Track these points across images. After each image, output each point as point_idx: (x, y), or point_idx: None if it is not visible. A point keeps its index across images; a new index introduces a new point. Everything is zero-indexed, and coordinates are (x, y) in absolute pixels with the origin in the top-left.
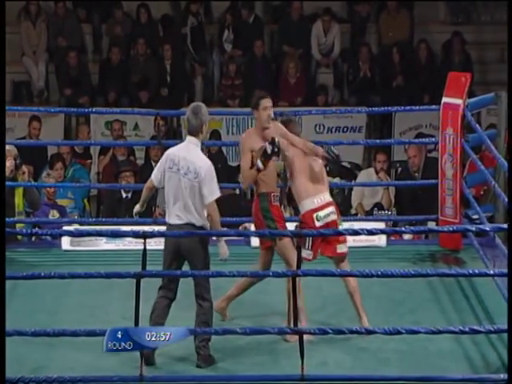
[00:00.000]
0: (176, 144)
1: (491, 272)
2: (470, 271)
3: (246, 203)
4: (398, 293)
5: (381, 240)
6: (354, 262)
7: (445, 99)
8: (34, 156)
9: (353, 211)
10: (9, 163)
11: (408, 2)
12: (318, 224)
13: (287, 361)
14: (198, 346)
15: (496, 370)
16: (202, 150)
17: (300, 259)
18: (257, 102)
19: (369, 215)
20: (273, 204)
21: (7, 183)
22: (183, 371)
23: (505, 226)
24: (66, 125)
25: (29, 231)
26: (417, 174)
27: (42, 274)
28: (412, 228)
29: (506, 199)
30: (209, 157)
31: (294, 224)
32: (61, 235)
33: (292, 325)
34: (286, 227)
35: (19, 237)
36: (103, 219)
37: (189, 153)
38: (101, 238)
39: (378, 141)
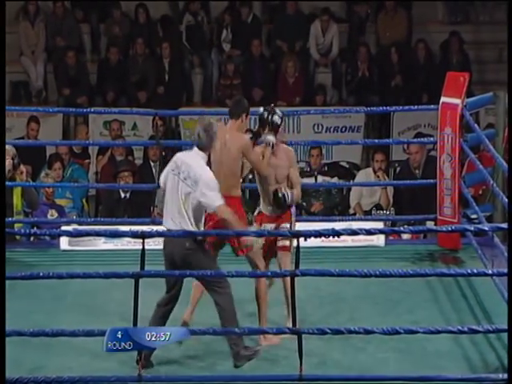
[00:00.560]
0: (174, 144)
1: (490, 272)
2: (469, 271)
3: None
4: (397, 292)
5: (379, 240)
6: (353, 262)
7: (443, 99)
8: (33, 156)
9: (351, 211)
10: (7, 163)
11: (406, 1)
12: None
13: (286, 361)
14: (229, 347)
15: (495, 370)
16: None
17: (299, 260)
18: (248, 109)
19: (367, 215)
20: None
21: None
22: (182, 371)
23: (503, 225)
24: (65, 125)
25: (27, 231)
26: (417, 171)
27: (41, 274)
28: (411, 228)
29: (505, 199)
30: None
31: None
32: (59, 235)
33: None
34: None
35: (17, 237)
36: (102, 219)
37: (193, 161)
38: (99, 237)
39: (376, 140)
